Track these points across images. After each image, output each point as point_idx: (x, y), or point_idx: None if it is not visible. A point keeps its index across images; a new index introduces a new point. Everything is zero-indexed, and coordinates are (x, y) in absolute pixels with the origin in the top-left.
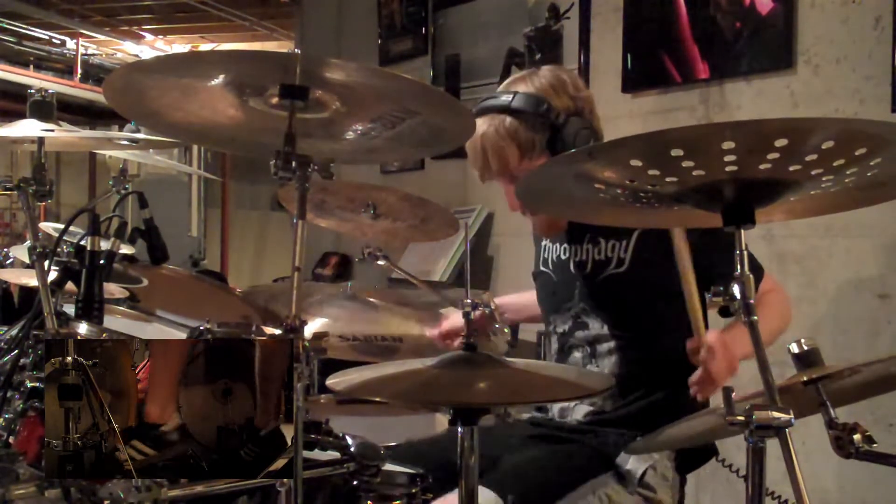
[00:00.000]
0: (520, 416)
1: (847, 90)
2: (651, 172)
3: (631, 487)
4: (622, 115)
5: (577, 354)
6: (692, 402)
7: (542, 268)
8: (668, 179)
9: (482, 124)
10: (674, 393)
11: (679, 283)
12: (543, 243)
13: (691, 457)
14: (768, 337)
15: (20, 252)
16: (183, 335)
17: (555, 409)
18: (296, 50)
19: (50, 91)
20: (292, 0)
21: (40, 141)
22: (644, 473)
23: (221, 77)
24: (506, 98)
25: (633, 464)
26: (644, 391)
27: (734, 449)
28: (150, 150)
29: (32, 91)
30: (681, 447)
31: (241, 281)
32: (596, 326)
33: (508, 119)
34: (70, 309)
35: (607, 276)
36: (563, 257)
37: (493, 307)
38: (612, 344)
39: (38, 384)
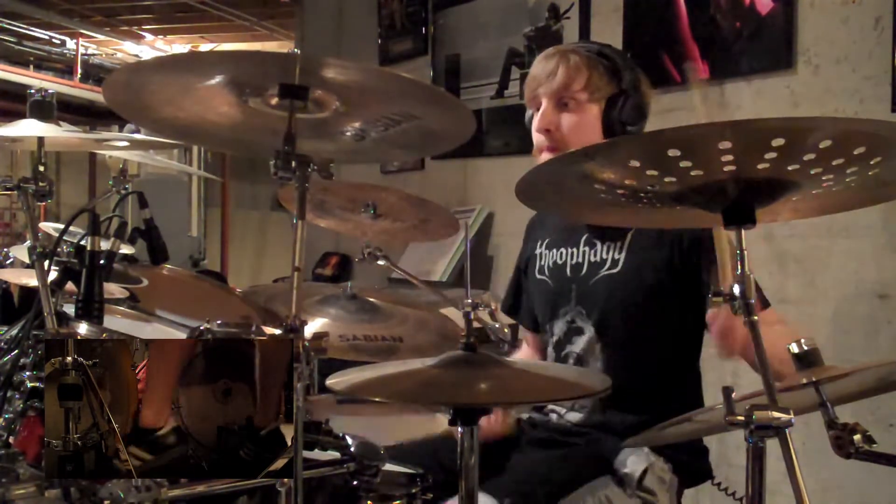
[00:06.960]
0: (519, 415)
1: (847, 90)
2: (649, 173)
3: (630, 490)
4: None
5: (570, 363)
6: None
7: (538, 276)
8: (667, 180)
9: (571, 46)
10: (663, 404)
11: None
12: (539, 251)
13: (686, 473)
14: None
15: (20, 252)
16: (183, 335)
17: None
18: (295, 50)
19: (50, 91)
20: (292, 0)
21: (40, 141)
22: (643, 476)
23: (221, 77)
24: (601, 45)
25: (631, 466)
26: (633, 402)
27: (733, 449)
28: (151, 150)
29: (32, 91)
30: (676, 441)
31: (241, 281)
32: (590, 331)
33: (596, 56)
34: (70, 309)
35: (601, 278)
36: (559, 262)
37: (493, 307)
38: (599, 347)
39: (38, 384)
